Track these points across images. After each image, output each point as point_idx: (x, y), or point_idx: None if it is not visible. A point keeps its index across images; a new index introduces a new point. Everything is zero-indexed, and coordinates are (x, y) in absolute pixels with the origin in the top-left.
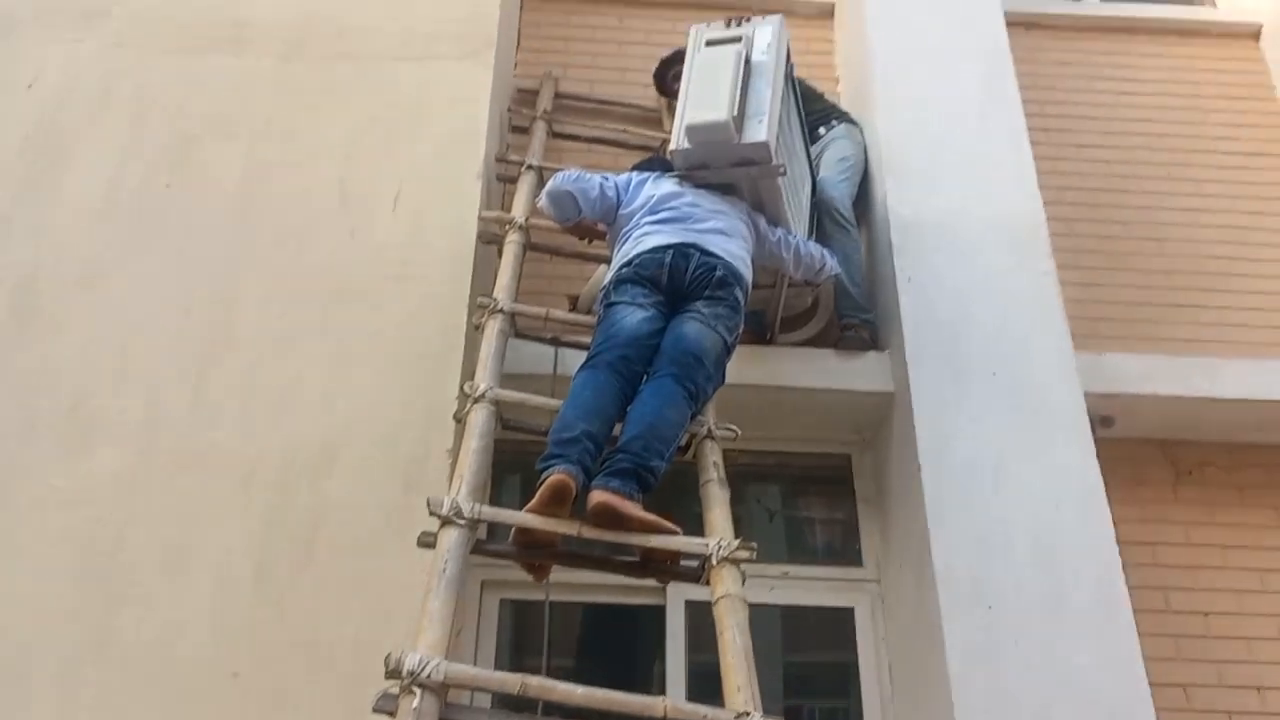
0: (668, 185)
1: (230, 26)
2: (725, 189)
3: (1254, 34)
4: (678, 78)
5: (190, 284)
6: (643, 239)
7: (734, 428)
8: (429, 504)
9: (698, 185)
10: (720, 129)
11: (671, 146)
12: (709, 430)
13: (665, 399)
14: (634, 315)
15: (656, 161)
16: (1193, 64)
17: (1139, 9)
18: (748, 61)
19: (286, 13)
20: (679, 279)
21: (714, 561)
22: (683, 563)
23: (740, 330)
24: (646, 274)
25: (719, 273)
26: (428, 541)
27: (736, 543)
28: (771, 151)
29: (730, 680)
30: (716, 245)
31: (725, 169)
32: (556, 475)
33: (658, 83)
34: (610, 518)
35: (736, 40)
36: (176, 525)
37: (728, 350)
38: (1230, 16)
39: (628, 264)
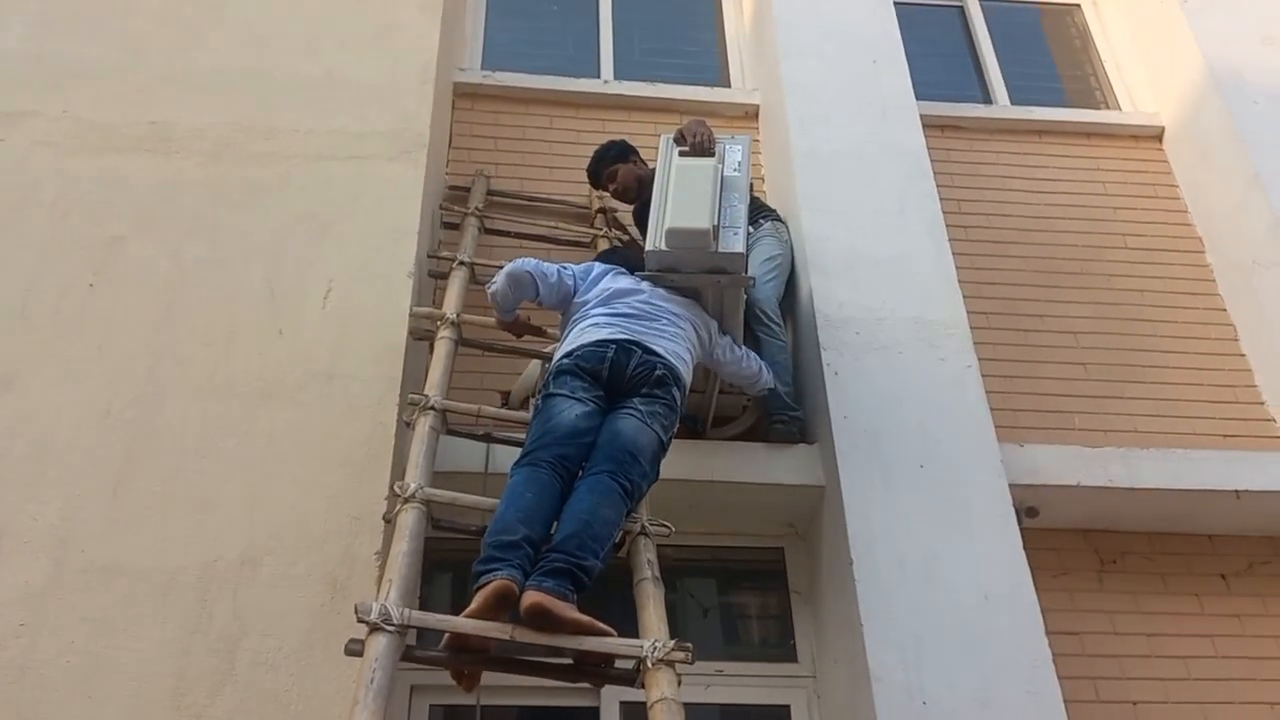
0: (625, 282)
1: (156, 127)
2: (684, 293)
3: (1157, 135)
4: (613, 177)
5: (111, 385)
6: (588, 330)
7: (667, 524)
8: (357, 610)
9: (655, 286)
10: (700, 236)
11: (648, 246)
12: (642, 527)
13: (601, 497)
14: (572, 409)
15: (619, 255)
16: (1100, 164)
17: (1048, 112)
18: (721, 176)
19: (213, 114)
20: (619, 375)
21: (649, 664)
22: (617, 665)
23: (675, 429)
24: (587, 367)
25: (659, 371)
26: (355, 650)
27: (672, 644)
28: (745, 263)
29: None
30: (659, 345)
31: (695, 274)
32: (501, 581)
33: (592, 177)
34: (544, 619)
35: (710, 154)
36: (90, 638)
37: (663, 448)
38: (1135, 120)
39: (569, 355)
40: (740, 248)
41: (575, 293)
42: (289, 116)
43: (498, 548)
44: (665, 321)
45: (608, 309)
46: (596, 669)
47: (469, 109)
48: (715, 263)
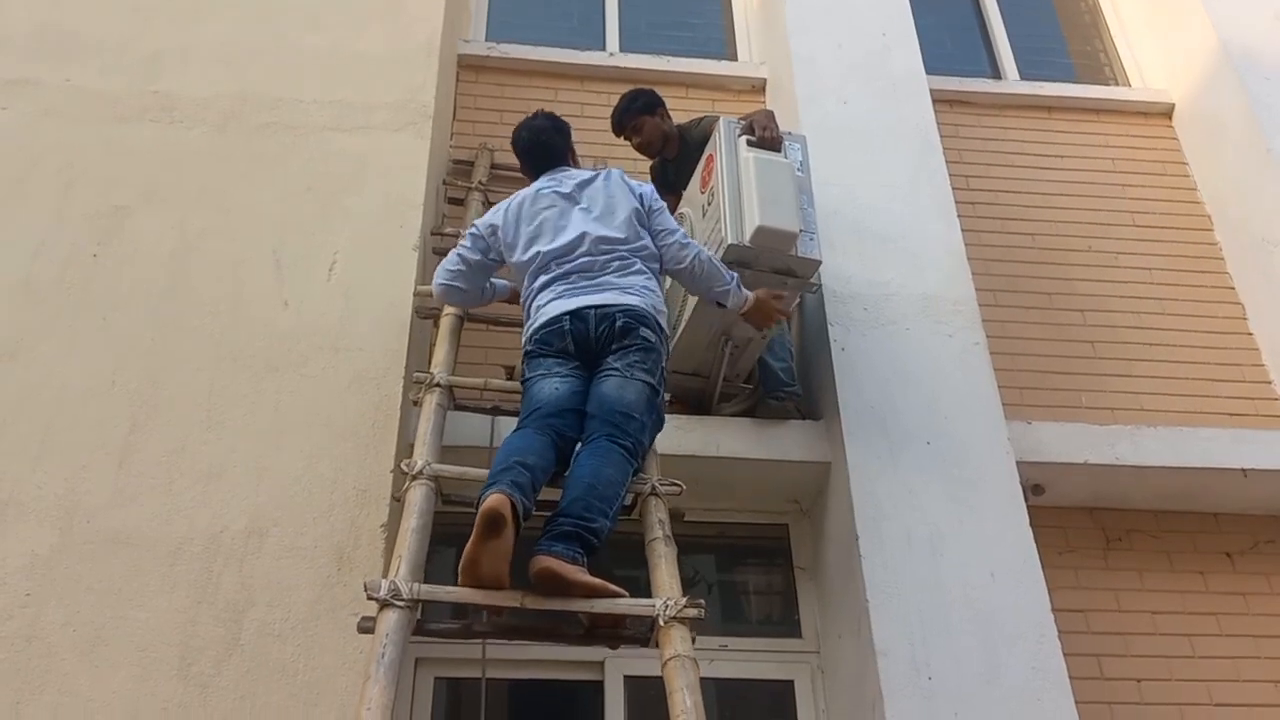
0: (553, 227)
1: (161, 97)
2: (613, 196)
3: (1167, 112)
4: (637, 130)
5: (116, 356)
6: (541, 309)
7: (679, 483)
8: (366, 588)
9: (582, 211)
10: (789, 239)
11: (730, 239)
12: (653, 487)
13: (602, 458)
14: (552, 385)
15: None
16: (1109, 141)
17: (1057, 88)
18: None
19: (219, 84)
20: (584, 342)
21: (662, 622)
22: (629, 626)
23: (664, 365)
24: (552, 346)
25: (620, 322)
26: (367, 627)
27: (684, 600)
28: (817, 271)
29: None
30: (610, 296)
31: (764, 272)
32: (491, 497)
33: (615, 126)
34: (554, 584)
35: (778, 150)
36: (96, 607)
37: (655, 391)
38: (1144, 96)
39: (530, 339)
40: (819, 255)
41: (502, 256)
42: (294, 88)
43: (493, 474)
44: (609, 264)
45: (548, 276)
46: (609, 631)
47: (473, 81)
48: (788, 265)
